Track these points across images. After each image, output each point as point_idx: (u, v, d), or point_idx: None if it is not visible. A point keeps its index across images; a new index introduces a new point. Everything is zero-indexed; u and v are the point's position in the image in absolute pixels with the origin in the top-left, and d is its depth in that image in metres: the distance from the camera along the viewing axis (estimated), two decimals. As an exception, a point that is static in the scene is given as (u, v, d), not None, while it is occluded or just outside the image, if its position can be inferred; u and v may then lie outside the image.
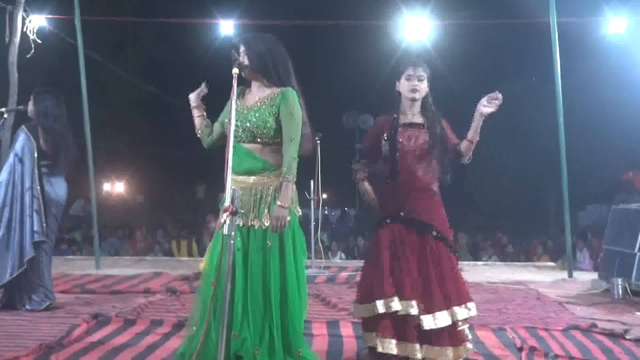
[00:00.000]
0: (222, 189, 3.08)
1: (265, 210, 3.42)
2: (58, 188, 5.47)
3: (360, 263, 5.91)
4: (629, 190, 19.36)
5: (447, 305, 3.62)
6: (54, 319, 5.01)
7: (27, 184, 5.28)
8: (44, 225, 5.31)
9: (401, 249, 3.68)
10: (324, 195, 7.58)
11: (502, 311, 5.53)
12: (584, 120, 15.99)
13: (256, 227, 3.43)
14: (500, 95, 3.63)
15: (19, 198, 5.29)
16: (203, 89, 3.72)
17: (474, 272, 7.94)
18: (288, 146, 3.42)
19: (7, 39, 7.55)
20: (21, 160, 5.31)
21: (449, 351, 3.61)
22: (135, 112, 20.93)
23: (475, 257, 12.90)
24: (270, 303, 3.38)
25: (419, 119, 3.82)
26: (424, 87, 3.80)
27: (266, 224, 3.41)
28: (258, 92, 3.56)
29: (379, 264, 3.68)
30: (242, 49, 3.52)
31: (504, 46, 18.62)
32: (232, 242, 3.00)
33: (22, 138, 5.36)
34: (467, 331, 3.75)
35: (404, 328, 3.60)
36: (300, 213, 3.60)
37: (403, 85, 3.81)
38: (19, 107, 5.78)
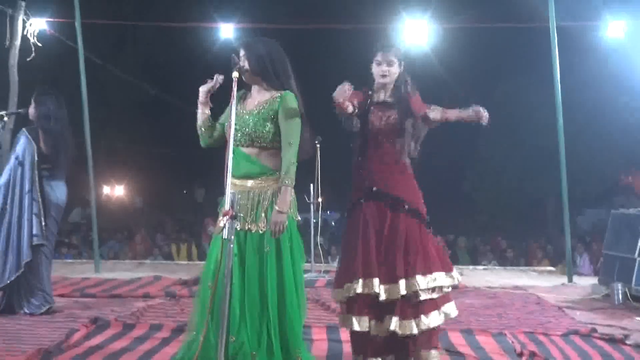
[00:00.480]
0: (222, 192, 3.08)
1: (263, 215, 3.42)
2: (58, 191, 5.46)
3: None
4: (627, 193, 19.36)
5: (408, 274, 3.64)
6: (53, 323, 5.00)
7: (26, 187, 5.28)
8: (44, 228, 5.30)
9: (372, 227, 3.72)
10: (320, 200, 7.55)
11: (502, 316, 5.53)
12: (583, 122, 15.99)
13: (253, 231, 3.42)
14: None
15: (18, 201, 5.29)
16: (216, 83, 3.56)
17: (473, 276, 7.94)
18: (286, 150, 3.42)
19: (7, 42, 7.56)
20: (21, 163, 5.31)
21: (413, 323, 3.62)
22: (135, 114, 20.91)
23: (475, 262, 12.89)
24: (268, 307, 3.37)
25: (390, 99, 3.91)
26: (393, 71, 3.88)
27: (263, 228, 3.40)
28: (258, 96, 3.56)
29: (354, 246, 3.73)
30: (242, 52, 3.53)
31: (504, 48, 18.64)
32: (231, 246, 3.00)
33: (22, 141, 5.36)
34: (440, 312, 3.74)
35: (377, 306, 3.65)
36: (300, 218, 3.60)
37: (375, 70, 3.91)
38: (19, 110, 5.78)
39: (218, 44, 9.33)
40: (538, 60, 12.60)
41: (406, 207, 3.75)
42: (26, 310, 5.26)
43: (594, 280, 7.24)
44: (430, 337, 3.73)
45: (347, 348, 4.36)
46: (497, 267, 10.20)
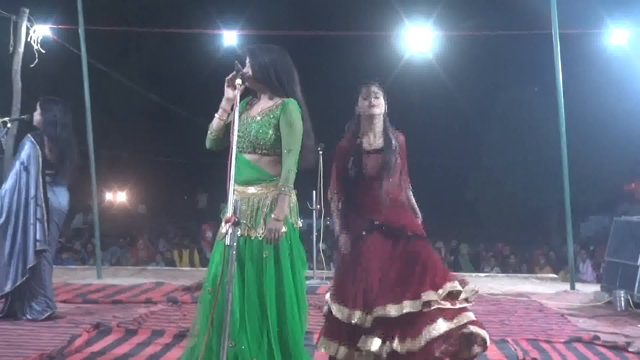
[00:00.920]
0: (224, 198, 3.07)
1: (262, 221, 3.42)
2: (61, 197, 5.48)
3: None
4: (631, 200, 19.35)
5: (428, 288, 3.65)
6: (55, 329, 5.00)
7: (32, 192, 5.30)
8: (46, 233, 5.31)
9: (376, 257, 3.77)
10: (318, 206, 7.54)
11: (504, 323, 5.52)
12: (586, 130, 16.00)
13: (252, 237, 3.43)
14: None
15: (23, 206, 5.30)
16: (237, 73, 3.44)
17: (476, 283, 7.83)
18: (286, 157, 3.43)
19: (11, 49, 7.58)
20: (26, 169, 5.32)
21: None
22: (137, 121, 20.98)
23: (477, 268, 12.88)
24: (267, 313, 3.37)
25: (379, 143, 3.98)
26: (381, 102, 3.95)
27: (262, 235, 3.40)
28: (262, 103, 3.57)
29: (360, 274, 3.74)
30: (247, 59, 3.53)
31: (507, 56, 18.67)
32: (233, 252, 3.00)
33: (27, 146, 5.37)
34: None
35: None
36: (301, 225, 3.59)
37: (362, 105, 3.95)
38: (22, 116, 5.80)
39: (221, 51, 9.35)
40: (541, 68, 12.61)
41: (409, 234, 3.85)
42: (28, 316, 5.26)
43: (596, 287, 7.22)
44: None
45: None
46: (499, 274, 10.17)
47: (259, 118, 3.49)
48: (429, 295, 3.61)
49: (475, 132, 20.08)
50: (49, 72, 12.72)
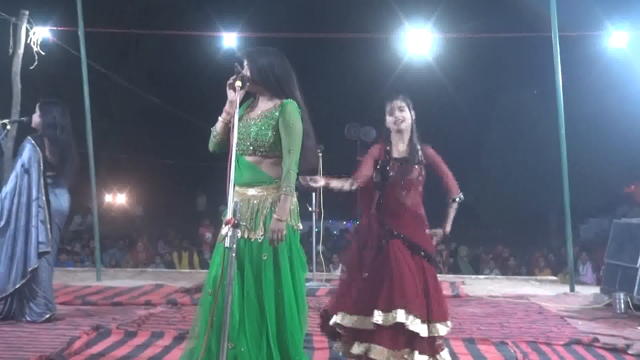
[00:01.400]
0: (223, 200, 3.07)
1: (261, 223, 3.42)
2: (62, 199, 5.48)
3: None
4: (630, 203, 19.34)
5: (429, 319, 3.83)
6: (54, 331, 5.00)
7: (33, 195, 5.30)
8: (49, 236, 5.31)
9: (402, 260, 3.89)
10: (317, 209, 7.54)
11: (504, 325, 5.52)
12: (586, 132, 16.01)
13: (252, 239, 3.42)
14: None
15: (24, 208, 5.30)
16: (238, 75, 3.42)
17: (475, 285, 7.92)
18: (286, 158, 3.42)
19: (10, 50, 7.58)
20: (27, 171, 5.32)
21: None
22: (137, 123, 20.96)
23: (477, 270, 12.87)
24: (266, 315, 3.37)
25: (406, 153, 4.11)
26: (407, 116, 4.09)
27: (261, 237, 3.40)
28: (262, 105, 3.57)
29: (385, 275, 3.86)
30: (245, 62, 3.53)
31: (506, 59, 18.69)
32: (233, 255, 3.00)
33: (28, 148, 5.38)
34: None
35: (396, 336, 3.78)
36: (302, 227, 3.59)
37: (389, 121, 4.11)
38: (22, 118, 5.80)
39: (221, 53, 9.36)
40: (540, 71, 12.63)
41: (422, 253, 3.96)
42: (28, 318, 5.26)
43: (596, 289, 7.22)
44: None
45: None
46: (499, 276, 10.18)
47: (258, 120, 3.49)
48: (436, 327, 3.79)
49: (474, 134, 20.10)
50: (48, 74, 12.71)
